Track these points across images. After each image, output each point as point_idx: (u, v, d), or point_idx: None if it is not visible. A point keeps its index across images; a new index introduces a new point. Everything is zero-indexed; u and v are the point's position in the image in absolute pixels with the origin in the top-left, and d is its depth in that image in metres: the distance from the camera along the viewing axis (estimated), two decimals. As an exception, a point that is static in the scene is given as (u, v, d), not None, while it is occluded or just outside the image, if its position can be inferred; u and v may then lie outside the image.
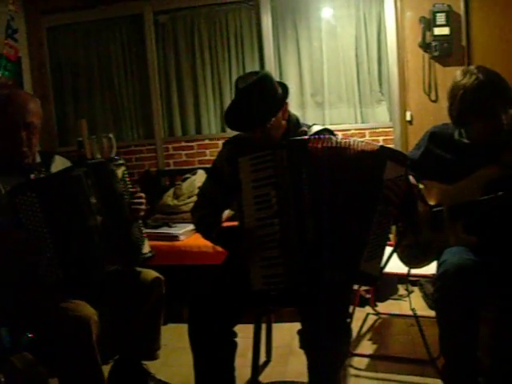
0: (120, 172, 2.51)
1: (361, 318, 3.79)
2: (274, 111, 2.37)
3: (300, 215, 2.18)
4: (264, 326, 2.92)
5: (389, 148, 2.30)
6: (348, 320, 2.37)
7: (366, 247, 2.16)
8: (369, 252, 2.16)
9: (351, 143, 2.19)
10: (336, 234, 2.16)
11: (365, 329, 3.67)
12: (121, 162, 2.54)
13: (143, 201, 2.59)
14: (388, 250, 2.29)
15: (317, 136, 2.25)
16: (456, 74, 2.48)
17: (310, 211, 2.16)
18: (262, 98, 2.35)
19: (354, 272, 2.20)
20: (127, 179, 2.54)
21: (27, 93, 2.70)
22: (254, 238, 2.24)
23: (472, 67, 2.47)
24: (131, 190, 2.56)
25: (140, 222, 2.59)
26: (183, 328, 2.44)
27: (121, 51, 5.21)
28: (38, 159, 2.59)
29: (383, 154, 2.19)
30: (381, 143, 4.51)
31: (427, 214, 2.56)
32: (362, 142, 2.21)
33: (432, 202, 2.58)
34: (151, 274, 2.67)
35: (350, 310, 2.66)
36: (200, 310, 2.36)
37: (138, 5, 5.03)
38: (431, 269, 2.64)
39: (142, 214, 2.58)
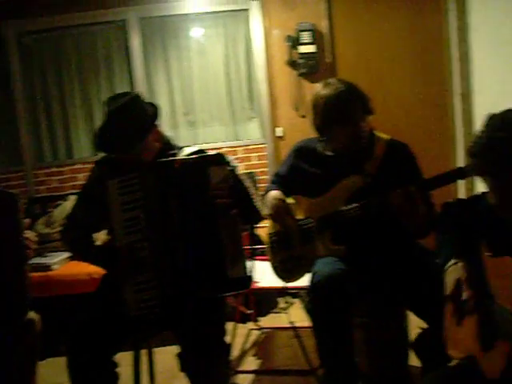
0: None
1: (243, 334, 3.79)
2: (142, 134, 2.33)
3: (169, 237, 2.18)
4: (145, 352, 2.85)
5: (207, 155, 2.37)
6: (226, 337, 2.36)
7: (226, 254, 2.20)
8: (230, 257, 2.20)
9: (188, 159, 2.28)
10: (199, 250, 2.19)
11: (248, 345, 3.68)
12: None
13: (34, 239, 2.41)
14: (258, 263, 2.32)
15: (180, 158, 2.26)
16: (317, 86, 2.57)
17: (178, 232, 2.16)
18: (130, 121, 2.30)
19: (223, 282, 2.21)
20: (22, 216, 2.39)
21: None
22: (128, 255, 2.22)
23: (332, 79, 2.56)
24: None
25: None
26: (62, 362, 2.32)
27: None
28: None
29: (203, 162, 2.26)
30: (254, 160, 4.63)
31: (297, 228, 2.61)
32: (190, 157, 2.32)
33: (301, 216, 2.63)
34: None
35: (232, 327, 2.66)
36: (77, 341, 2.27)
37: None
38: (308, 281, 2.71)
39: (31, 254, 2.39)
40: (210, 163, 2.24)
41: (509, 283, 1.55)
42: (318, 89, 2.53)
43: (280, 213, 2.58)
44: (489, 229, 1.69)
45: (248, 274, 2.29)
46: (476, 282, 1.74)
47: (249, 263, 2.32)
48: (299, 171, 2.69)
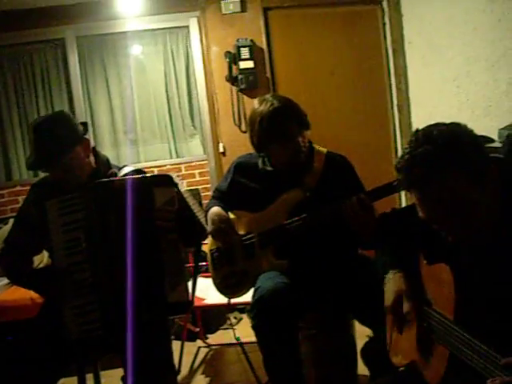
0: None
1: (192, 352, 3.75)
2: (66, 147, 2.28)
3: (110, 258, 2.14)
4: (91, 376, 2.80)
5: (152, 176, 2.35)
6: (170, 357, 2.35)
7: (165, 277, 2.17)
8: (170, 281, 2.17)
9: (129, 180, 2.23)
10: (139, 272, 2.15)
11: (197, 363, 3.64)
12: None
13: None
14: (203, 280, 2.31)
15: (121, 177, 2.24)
16: (254, 102, 2.59)
17: (118, 254, 2.13)
18: (51, 134, 2.27)
19: (163, 306, 2.19)
20: None
21: None
22: (65, 277, 2.18)
23: (268, 95, 2.57)
24: None
25: None
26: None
27: None
28: None
29: (149, 182, 2.25)
30: (197, 177, 4.62)
31: (238, 243, 2.61)
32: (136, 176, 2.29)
33: (242, 232, 2.63)
34: None
35: (179, 345, 2.63)
36: (15, 371, 2.19)
37: None
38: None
39: None
40: (156, 184, 2.22)
41: (444, 289, 1.59)
42: (255, 106, 2.55)
43: (221, 229, 2.57)
44: (423, 238, 1.73)
45: (187, 299, 2.27)
46: (414, 290, 1.78)
47: (190, 284, 2.29)
48: (239, 186, 2.69)
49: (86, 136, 2.40)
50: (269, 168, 2.61)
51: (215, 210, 2.62)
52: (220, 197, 2.74)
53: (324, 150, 2.65)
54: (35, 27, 4.73)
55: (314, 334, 2.72)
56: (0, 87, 4.83)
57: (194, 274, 2.48)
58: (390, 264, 1.94)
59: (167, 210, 2.19)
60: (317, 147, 2.65)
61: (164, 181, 2.25)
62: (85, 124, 2.43)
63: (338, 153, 2.68)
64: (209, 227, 2.58)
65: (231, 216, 2.66)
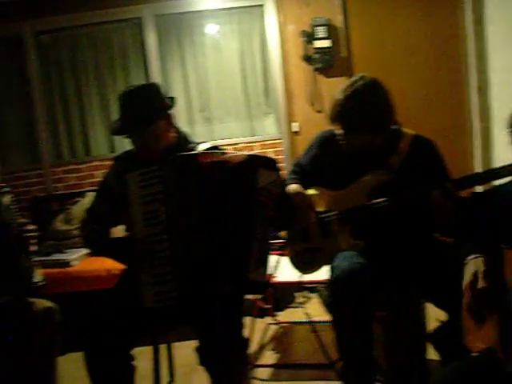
0: (6, 200, 2.40)
1: (261, 328, 3.79)
2: (153, 115, 2.35)
3: (189, 230, 2.18)
4: (164, 346, 2.87)
5: (259, 156, 2.36)
6: (243, 332, 2.37)
7: (252, 256, 2.17)
8: (255, 260, 2.18)
9: (230, 156, 2.23)
10: (223, 246, 2.18)
11: (266, 339, 3.69)
12: (6, 189, 2.44)
13: (33, 234, 2.49)
14: (274, 258, 2.32)
15: (205, 151, 2.27)
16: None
17: (198, 226, 2.16)
18: (141, 101, 2.35)
19: (244, 282, 2.21)
20: (14, 208, 2.43)
21: None
22: (143, 246, 2.23)
23: (352, 81, 2.44)
24: (19, 220, 2.46)
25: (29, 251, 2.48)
26: (82, 356, 2.35)
27: (1, 73, 5.01)
28: None
29: (254, 162, 2.24)
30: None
31: (316, 220, 2.60)
32: (240, 154, 2.27)
33: (321, 208, 2.62)
34: (43, 303, 2.54)
35: (249, 321, 2.67)
36: (94, 335, 2.29)
37: (17, 25, 4.85)
38: (326, 274, 2.70)
39: (32, 247, 2.48)
40: (262, 165, 2.23)
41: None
42: (337, 94, 2.44)
43: (299, 207, 2.57)
44: (505, 222, 1.68)
45: (266, 280, 2.28)
46: (494, 275, 1.74)
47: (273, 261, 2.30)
48: (322, 162, 2.65)
49: (172, 111, 2.45)
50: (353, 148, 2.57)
51: (294, 187, 2.61)
52: (299, 172, 2.72)
53: (412, 132, 2.58)
54: (114, 6, 4.84)
55: (385, 315, 2.70)
56: (80, 65, 4.97)
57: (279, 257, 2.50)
58: (470, 248, 1.90)
59: (270, 190, 2.20)
60: (404, 130, 2.58)
61: (270, 163, 2.26)
62: (172, 99, 2.49)
63: (425, 136, 2.60)
64: None
65: (310, 192, 2.64)
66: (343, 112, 2.38)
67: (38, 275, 2.50)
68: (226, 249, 2.18)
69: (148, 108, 2.34)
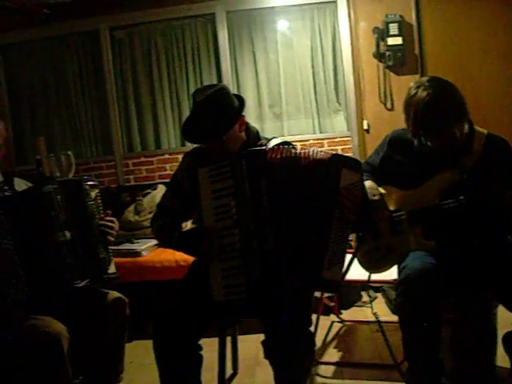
0: (94, 194, 2.50)
1: (326, 326, 3.80)
2: (228, 124, 2.37)
3: (259, 225, 2.19)
4: (230, 339, 2.91)
5: (343, 155, 2.31)
6: (311, 328, 2.37)
7: (327, 254, 2.15)
8: (329, 259, 2.16)
9: (308, 153, 2.21)
10: (295, 242, 2.18)
11: (330, 337, 3.68)
12: (95, 183, 2.53)
13: (114, 225, 2.57)
14: (348, 256, 2.30)
15: (275, 146, 2.28)
16: (410, 85, 2.48)
17: (269, 220, 2.18)
18: (217, 111, 2.35)
19: (316, 280, 2.20)
20: (99, 202, 2.53)
21: None
22: (213, 236, 2.26)
23: (424, 79, 2.46)
24: (103, 213, 2.56)
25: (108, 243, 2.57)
26: (149, 344, 2.41)
27: (77, 68, 5.16)
28: (1, 178, 2.56)
29: (338, 161, 2.20)
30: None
31: (387, 219, 2.58)
32: (320, 151, 2.23)
33: (392, 207, 2.61)
34: (115, 295, 2.61)
35: (314, 318, 2.68)
36: (163, 324, 2.35)
37: (93, 21, 5.00)
38: (393, 274, 2.68)
39: (112, 238, 2.57)
40: (346, 165, 2.19)
41: None
42: (410, 90, 2.45)
43: (374, 204, 2.54)
44: None
45: (339, 280, 2.25)
46: None
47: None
48: (392, 162, 2.65)
49: (243, 111, 2.45)
50: (425, 147, 2.55)
51: (368, 183, 2.61)
52: (369, 170, 2.71)
53: (485, 131, 2.53)
54: (187, 3, 4.91)
55: (452, 318, 2.66)
56: (153, 60, 5.06)
57: (353, 256, 2.47)
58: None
59: (351, 191, 2.17)
60: (477, 128, 2.53)
61: (354, 164, 2.23)
62: (241, 100, 2.48)
63: (500, 136, 2.55)
64: None
65: (381, 191, 2.62)
66: (433, 117, 2.36)
67: (113, 267, 2.57)
68: (299, 245, 2.18)
69: (221, 119, 2.34)
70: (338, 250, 2.18)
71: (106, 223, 2.54)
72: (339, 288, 2.32)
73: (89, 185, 2.49)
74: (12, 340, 2.24)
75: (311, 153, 2.21)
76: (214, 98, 2.36)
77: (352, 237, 2.73)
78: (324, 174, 2.19)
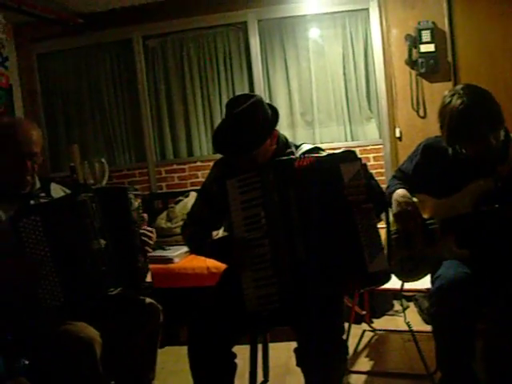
0: (137, 203, 2.52)
1: (357, 334, 3.78)
2: (260, 141, 2.32)
3: (289, 234, 2.20)
4: (260, 347, 2.91)
5: (336, 152, 2.34)
6: (343, 336, 2.36)
7: (364, 250, 2.16)
8: (369, 252, 2.16)
9: (318, 157, 2.27)
10: (326, 247, 2.19)
11: (361, 346, 3.67)
12: (139, 193, 2.56)
13: (153, 235, 2.59)
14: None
15: (302, 155, 2.28)
16: (444, 94, 2.47)
17: (298, 229, 2.19)
18: (251, 125, 2.30)
19: (365, 277, 2.19)
20: (141, 211, 2.55)
21: (28, 121, 2.63)
22: (242, 247, 2.27)
23: (459, 87, 2.44)
24: (143, 223, 2.58)
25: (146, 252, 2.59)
26: (180, 350, 2.44)
27: (111, 76, 5.24)
28: (38, 185, 2.59)
29: (333, 160, 2.24)
30: (371, 161, 4.59)
31: (421, 227, 2.57)
32: (323, 155, 2.32)
33: (425, 216, 2.59)
34: (149, 301, 2.62)
35: (346, 327, 2.67)
36: (200, 331, 2.36)
37: (127, 30, 5.07)
38: (426, 283, 2.66)
39: (150, 249, 2.58)
40: (342, 160, 2.22)
41: None
42: (445, 98, 2.44)
43: (408, 212, 2.55)
44: None
45: (387, 267, 2.24)
46: None
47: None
48: (426, 170, 2.64)
49: (276, 126, 2.42)
50: (460, 155, 2.52)
51: (402, 192, 2.60)
52: (402, 178, 2.71)
53: None
54: (219, 11, 4.94)
55: (487, 329, 2.62)
56: (185, 68, 5.10)
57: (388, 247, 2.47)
58: None
59: (356, 184, 2.18)
60: None
61: (348, 156, 2.24)
62: (275, 112, 2.42)
63: None
64: (394, 208, 2.57)
65: (414, 199, 2.61)
66: (468, 125, 2.35)
67: (149, 277, 2.59)
68: (331, 250, 2.19)
69: (256, 134, 2.31)
70: (372, 241, 2.18)
71: (146, 233, 2.56)
72: (389, 276, 2.28)
73: (133, 194, 2.51)
74: (12, 340, 2.27)
75: (317, 157, 2.28)
76: (250, 111, 2.31)
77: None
78: (328, 176, 2.23)
